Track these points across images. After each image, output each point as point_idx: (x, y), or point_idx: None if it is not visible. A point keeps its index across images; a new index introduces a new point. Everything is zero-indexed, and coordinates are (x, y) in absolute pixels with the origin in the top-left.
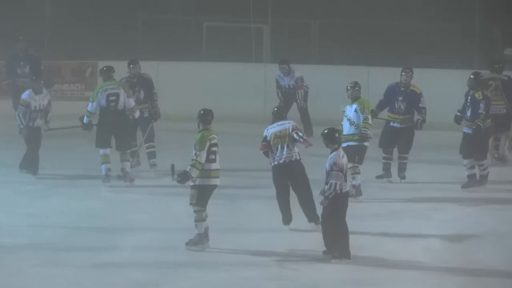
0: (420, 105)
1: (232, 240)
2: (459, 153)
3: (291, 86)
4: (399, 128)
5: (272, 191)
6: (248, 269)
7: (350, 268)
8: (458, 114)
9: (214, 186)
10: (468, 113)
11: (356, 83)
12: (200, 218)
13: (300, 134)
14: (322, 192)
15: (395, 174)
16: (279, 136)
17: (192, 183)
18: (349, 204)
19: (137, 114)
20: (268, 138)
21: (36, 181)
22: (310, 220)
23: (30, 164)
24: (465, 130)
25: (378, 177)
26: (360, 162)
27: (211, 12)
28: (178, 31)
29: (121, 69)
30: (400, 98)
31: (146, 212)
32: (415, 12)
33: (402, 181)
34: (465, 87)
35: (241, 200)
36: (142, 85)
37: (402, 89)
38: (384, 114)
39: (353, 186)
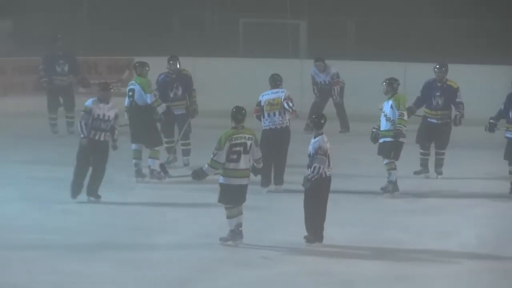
0: (457, 100)
1: (268, 236)
2: (504, 159)
3: (327, 82)
4: (436, 123)
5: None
6: (285, 266)
7: (386, 264)
8: (492, 121)
9: (239, 186)
10: (511, 115)
11: (392, 79)
12: (229, 215)
13: (290, 104)
14: (306, 178)
15: (432, 169)
16: (272, 104)
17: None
18: (387, 200)
19: (160, 109)
20: (262, 104)
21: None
22: (275, 183)
23: (73, 183)
24: (508, 134)
25: (415, 172)
26: (396, 158)
27: (247, 9)
28: (215, 27)
29: (157, 65)
30: (438, 94)
31: (182, 208)
32: (453, 8)
33: (439, 176)
34: (505, 82)
35: (277, 196)
36: (180, 81)
37: (439, 84)
38: (421, 110)
39: (390, 182)
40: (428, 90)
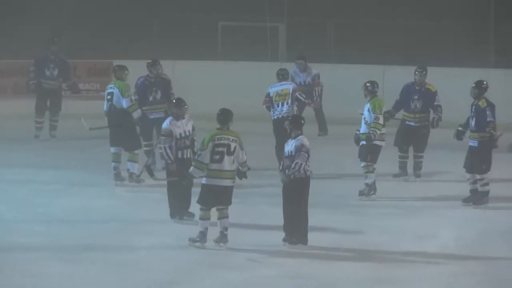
0: (435, 103)
1: (249, 239)
2: (463, 167)
3: (307, 83)
4: (414, 126)
5: None
6: (267, 268)
7: (367, 267)
8: (460, 128)
9: (222, 187)
10: (473, 124)
11: (371, 82)
12: (202, 216)
13: (304, 95)
14: (283, 169)
15: (411, 172)
16: (280, 95)
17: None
18: (367, 203)
19: (135, 115)
20: (271, 95)
21: (54, 181)
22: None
23: (178, 204)
24: (471, 143)
25: (395, 175)
26: (373, 161)
27: (227, 11)
28: (193, 30)
29: (136, 68)
30: (416, 97)
31: (162, 211)
32: (430, 11)
33: (418, 179)
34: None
35: (258, 198)
36: (159, 85)
37: (417, 88)
38: (400, 114)
39: (366, 184)
40: (407, 93)
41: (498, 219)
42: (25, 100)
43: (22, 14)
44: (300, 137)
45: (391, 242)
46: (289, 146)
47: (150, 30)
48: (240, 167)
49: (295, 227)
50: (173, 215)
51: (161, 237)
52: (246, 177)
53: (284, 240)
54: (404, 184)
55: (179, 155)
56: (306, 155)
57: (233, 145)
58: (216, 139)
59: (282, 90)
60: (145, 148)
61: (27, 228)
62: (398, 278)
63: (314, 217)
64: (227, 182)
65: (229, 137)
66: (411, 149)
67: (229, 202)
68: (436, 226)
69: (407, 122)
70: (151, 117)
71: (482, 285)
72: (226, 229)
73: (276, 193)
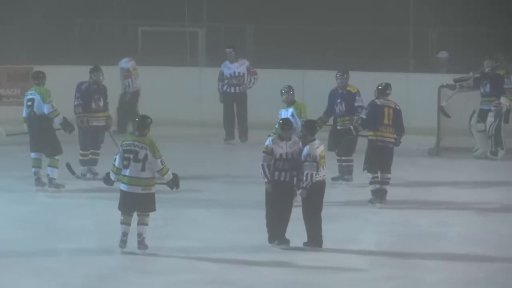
0: (355, 104)
1: (173, 245)
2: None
3: (237, 74)
4: (341, 130)
5: (209, 196)
6: (188, 273)
7: (288, 271)
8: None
9: (125, 193)
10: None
11: (290, 87)
12: (121, 221)
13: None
14: (298, 186)
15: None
16: (322, 156)
17: None
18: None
19: (57, 120)
20: (317, 159)
21: None
22: None
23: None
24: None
25: (333, 179)
26: None
27: (146, 17)
28: (114, 36)
29: (56, 73)
30: (338, 100)
31: (84, 217)
32: (351, 16)
33: (346, 183)
34: (400, 89)
35: (180, 204)
36: (101, 93)
37: (340, 91)
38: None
39: None
40: (333, 98)
41: (417, 223)
42: None
43: None
44: (310, 145)
45: (312, 247)
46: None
47: (71, 36)
48: (159, 175)
49: (317, 231)
50: (271, 239)
51: (81, 243)
52: (171, 188)
53: (305, 244)
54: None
55: (276, 176)
56: (314, 163)
57: (142, 152)
58: (125, 145)
59: (322, 150)
60: (80, 157)
61: None
62: (317, 283)
63: (235, 223)
64: (125, 187)
65: (139, 143)
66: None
67: (132, 209)
68: (356, 231)
69: (337, 127)
70: (93, 124)
71: None
72: (124, 234)
73: (199, 198)
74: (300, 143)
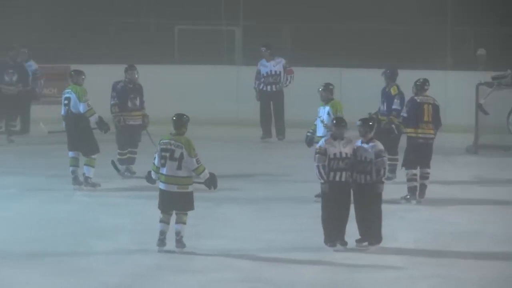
0: (393, 106)
1: (209, 243)
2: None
3: (273, 73)
4: (382, 128)
5: (245, 194)
6: (224, 272)
7: (325, 269)
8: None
9: (162, 191)
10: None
11: (327, 85)
12: (160, 219)
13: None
14: (378, 180)
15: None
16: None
17: None
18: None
19: (92, 119)
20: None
21: (10, 185)
22: None
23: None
24: None
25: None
26: None
27: (183, 16)
28: (150, 34)
29: (93, 72)
30: (383, 99)
31: (121, 215)
32: (388, 14)
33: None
34: (438, 87)
35: (217, 203)
36: (138, 92)
37: (386, 90)
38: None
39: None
40: (380, 95)
41: (454, 220)
42: None
43: None
44: (374, 142)
45: (349, 245)
46: (362, 149)
47: (107, 35)
48: (195, 174)
49: (376, 228)
50: (327, 240)
51: (118, 241)
52: (209, 188)
53: (359, 241)
54: None
55: (331, 177)
56: (385, 158)
57: (178, 151)
58: (162, 144)
59: None
60: (118, 157)
61: None
62: (355, 281)
63: (271, 220)
64: (164, 186)
65: (172, 142)
66: None
67: (171, 207)
68: (393, 229)
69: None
70: (130, 123)
71: None
72: (162, 233)
73: (236, 197)
74: (353, 142)
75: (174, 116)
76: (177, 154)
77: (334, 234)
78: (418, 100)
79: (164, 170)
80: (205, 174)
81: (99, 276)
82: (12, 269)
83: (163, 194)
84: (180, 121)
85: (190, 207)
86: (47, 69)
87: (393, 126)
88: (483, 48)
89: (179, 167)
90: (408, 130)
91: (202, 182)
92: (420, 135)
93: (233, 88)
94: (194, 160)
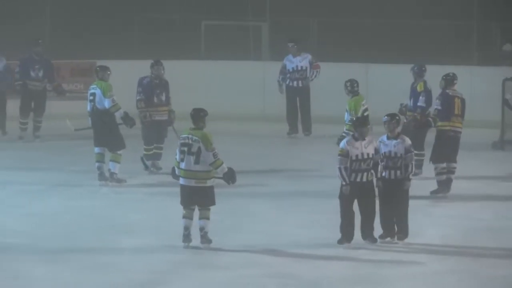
0: (418, 103)
1: (235, 239)
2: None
3: (299, 68)
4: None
5: (272, 190)
6: (250, 268)
7: (352, 265)
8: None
9: (182, 186)
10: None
11: (351, 81)
12: (183, 215)
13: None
14: (406, 177)
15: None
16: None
17: None
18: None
19: (117, 114)
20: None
21: (36, 182)
22: None
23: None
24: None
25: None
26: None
27: (209, 11)
28: (176, 30)
29: (119, 68)
30: (410, 95)
31: (146, 211)
32: (413, 9)
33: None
34: (464, 83)
35: (243, 199)
36: (164, 87)
37: (414, 85)
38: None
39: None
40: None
41: (481, 216)
42: (10, 101)
43: (4, 16)
44: (402, 137)
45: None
46: (388, 146)
47: (132, 30)
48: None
49: (404, 224)
50: (341, 240)
51: (145, 237)
52: (228, 183)
53: (382, 237)
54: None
55: (351, 178)
56: (413, 153)
57: (195, 145)
58: (182, 138)
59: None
60: (145, 152)
61: (9, 229)
62: (381, 277)
63: (300, 215)
64: (184, 181)
65: (191, 136)
66: None
67: (191, 202)
68: (420, 224)
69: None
70: (156, 119)
71: (466, 284)
72: (186, 228)
73: (261, 192)
74: (374, 142)
75: (191, 111)
76: (194, 149)
77: (348, 235)
78: (450, 93)
79: (183, 165)
80: (223, 168)
81: (126, 273)
82: (39, 265)
83: (183, 189)
84: (197, 116)
85: (211, 202)
86: (73, 65)
87: (430, 119)
88: (509, 44)
89: (196, 162)
90: (440, 123)
91: (221, 177)
92: (451, 128)
93: (260, 84)
94: (211, 154)
